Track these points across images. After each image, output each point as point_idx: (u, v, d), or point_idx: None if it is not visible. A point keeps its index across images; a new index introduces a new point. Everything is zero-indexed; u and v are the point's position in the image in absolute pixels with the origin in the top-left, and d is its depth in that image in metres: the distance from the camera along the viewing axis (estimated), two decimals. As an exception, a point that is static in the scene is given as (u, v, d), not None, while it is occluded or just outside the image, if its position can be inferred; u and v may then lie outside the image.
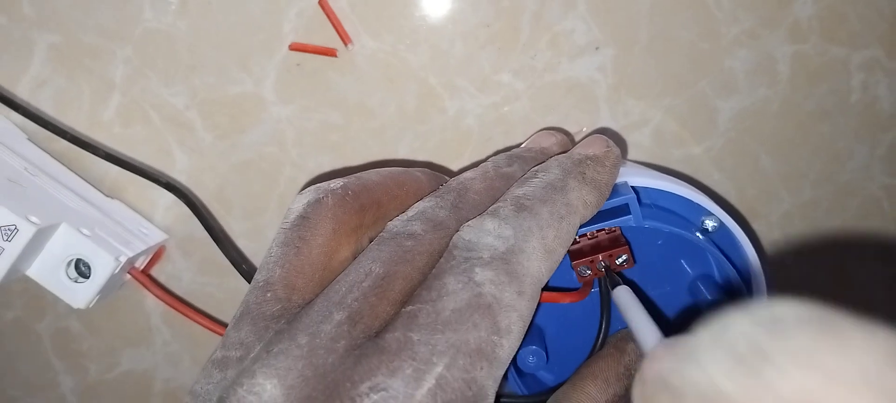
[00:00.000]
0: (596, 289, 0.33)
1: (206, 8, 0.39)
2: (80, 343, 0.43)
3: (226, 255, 0.38)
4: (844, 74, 0.42)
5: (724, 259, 0.32)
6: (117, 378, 0.44)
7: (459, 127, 0.41)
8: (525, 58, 0.40)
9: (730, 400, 0.15)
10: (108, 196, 0.41)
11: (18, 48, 0.40)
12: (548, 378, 0.36)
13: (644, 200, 0.32)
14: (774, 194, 0.43)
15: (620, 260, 0.31)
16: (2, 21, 0.39)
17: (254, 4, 0.39)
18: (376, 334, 0.23)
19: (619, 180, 0.31)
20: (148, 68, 0.40)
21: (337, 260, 0.26)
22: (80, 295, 0.35)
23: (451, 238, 0.26)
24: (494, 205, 0.27)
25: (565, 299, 0.32)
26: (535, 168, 0.29)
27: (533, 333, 0.35)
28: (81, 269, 0.35)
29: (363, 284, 0.24)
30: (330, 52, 0.40)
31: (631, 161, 0.41)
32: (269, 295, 0.24)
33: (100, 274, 0.35)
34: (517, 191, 0.27)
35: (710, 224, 0.32)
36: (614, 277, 0.31)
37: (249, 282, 0.26)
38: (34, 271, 0.35)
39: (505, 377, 0.25)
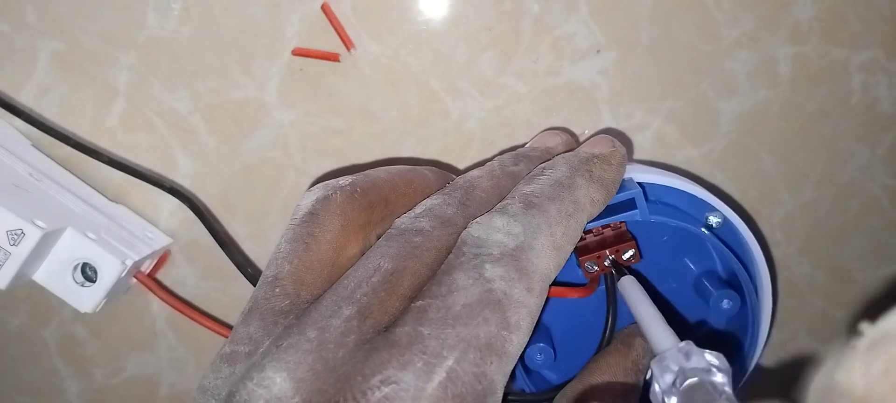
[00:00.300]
0: (602, 286, 0.33)
1: (209, 14, 0.39)
2: (86, 348, 0.43)
3: (231, 259, 0.39)
4: (845, 75, 0.42)
5: (730, 254, 0.32)
6: (123, 383, 0.44)
7: (462, 130, 0.41)
8: (527, 61, 0.40)
9: None
10: (112, 201, 0.41)
11: (22, 55, 0.40)
12: (554, 376, 0.36)
13: (649, 196, 0.33)
14: (776, 195, 0.43)
15: (627, 255, 0.31)
16: (5, 28, 0.40)
17: (256, 10, 0.39)
18: (386, 329, 0.23)
19: (625, 176, 0.32)
20: (151, 74, 0.40)
21: (345, 256, 0.26)
22: (86, 299, 0.35)
23: (459, 235, 0.26)
24: (502, 203, 0.27)
25: (572, 294, 0.32)
26: (542, 166, 0.30)
27: (540, 331, 0.35)
28: (88, 273, 0.35)
29: (372, 279, 0.24)
30: (333, 57, 0.40)
31: (635, 160, 0.42)
32: (277, 290, 0.25)
33: (106, 278, 0.35)
34: (525, 188, 0.28)
35: (714, 220, 0.33)
36: (622, 271, 0.31)
37: (255, 286, 0.26)
38: (40, 275, 0.35)
39: (512, 374, 0.25)
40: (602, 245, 0.32)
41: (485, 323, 0.22)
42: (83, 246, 0.35)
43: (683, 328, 0.36)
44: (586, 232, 0.32)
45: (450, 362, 0.21)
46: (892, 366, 0.14)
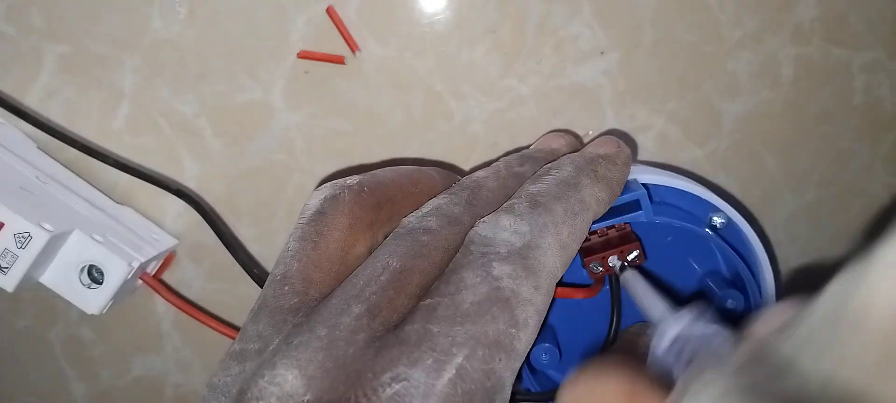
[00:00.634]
0: (607, 287, 0.33)
1: (215, 17, 0.40)
2: (92, 349, 0.43)
3: (237, 260, 0.39)
4: (847, 76, 0.42)
5: (734, 254, 0.32)
6: (128, 385, 0.44)
7: (466, 132, 0.41)
8: (531, 63, 0.41)
9: None
10: (118, 203, 0.41)
11: (28, 59, 0.40)
12: (559, 376, 0.37)
13: (654, 197, 0.33)
14: (779, 195, 0.44)
15: (632, 256, 0.32)
16: (11, 32, 0.40)
17: (262, 13, 0.40)
18: (395, 326, 0.23)
19: (629, 177, 0.32)
20: (157, 77, 0.40)
21: (353, 255, 0.26)
22: (93, 301, 0.35)
23: (466, 234, 0.26)
24: (509, 202, 0.27)
25: (578, 294, 0.32)
26: (548, 166, 0.30)
27: (546, 331, 0.35)
28: (94, 275, 0.35)
29: (381, 278, 0.24)
30: (338, 60, 0.40)
31: (639, 161, 0.42)
32: (286, 288, 0.25)
33: (113, 280, 0.35)
34: (531, 188, 0.28)
35: (718, 220, 0.33)
36: (626, 269, 0.31)
37: (261, 286, 0.26)
38: (47, 278, 0.35)
39: (518, 374, 0.26)
40: (607, 246, 0.32)
41: (493, 320, 0.22)
42: (90, 248, 0.35)
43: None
44: (591, 233, 0.32)
45: (459, 359, 0.21)
46: None
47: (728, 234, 0.33)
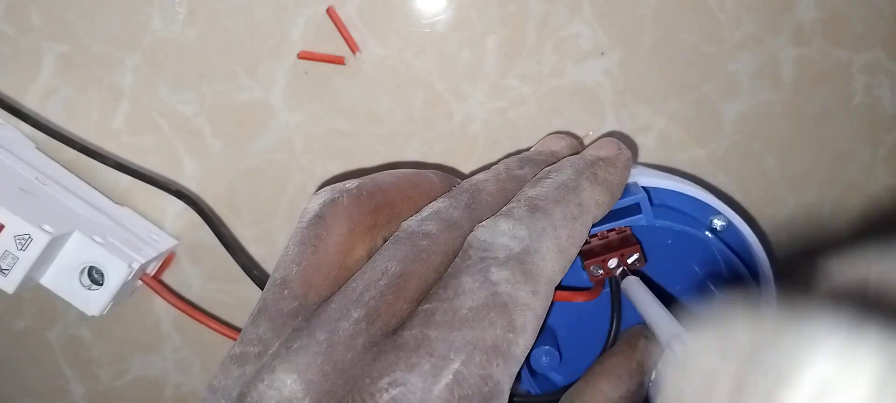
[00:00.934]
0: (607, 289, 0.33)
1: (215, 16, 0.40)
2: (91, 350, 0.43)
3: (237, 261, 0.39)
4: (847, 77, 0.42)
5: (734, 257, 0.32)
6: (128, 385, 0.44)
7: (466, 132, 0.41)
8: (531, 63, 0.41)
9: None
10: (117, 204, 0.41)
11: (27, 58, 0.40)
12: (559, 378, 0.37)
13: (654, 200, 0.33)
14: (779, 195, 0.44)
15: (632, 259, 0.32)
16: (10, 31, 0.40)
17: (262, 13, 0.40)
18: (394, 331, 0.23)
19: (629, 180, 0.32)
20: (157, 77, 0.40)
21: (352, 258, 0.26)
22: (93, 302, 0.35)
23: (465, 238, 0.26)
24: (508, 206, 0.27)
25: (578, 298, 0.32)
26: (548, 169, 0.30)
27: (546, 334, 0.35)
28: (94, 276, 0.35)
29: (380, 282, 0.24)
30: (338, 60, 0.40)
31: (640, 163, 0.42)
32: (286, 292, 0.25)
33: (113, 281, 0.35)
34: (530, 191, 0.28)
35: (718, 223, 0.33)
36: (627, 273, 0.31)
37: (261, 287, 0.26)
38: (48, 279, 0.35)
39: (518, 376, 0.26)
40: (607, 249, 0.32)
41: (491, 325, 0.22)
42: (90, 249, 0.35)
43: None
44: (591, 236, 0.32)
45: (456, 364, 0.21)
46: None
47: (728, 237, 0.33)
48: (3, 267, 0.32)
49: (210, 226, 0.39)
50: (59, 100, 0.40)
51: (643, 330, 0.34)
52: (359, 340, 0.22)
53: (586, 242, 0.32)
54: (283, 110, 0.41)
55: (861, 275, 0.20)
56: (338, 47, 0.40)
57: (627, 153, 0.32)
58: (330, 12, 0.39)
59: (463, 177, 0.33)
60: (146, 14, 0.40)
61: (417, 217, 0.27)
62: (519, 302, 0.23)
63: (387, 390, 0.21)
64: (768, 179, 0.43)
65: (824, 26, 0.41)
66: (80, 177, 0.41)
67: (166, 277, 0.42)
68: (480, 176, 0.30)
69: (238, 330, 0.40)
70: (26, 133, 0.40)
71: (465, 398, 0.21)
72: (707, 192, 0.34)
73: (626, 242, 0.32)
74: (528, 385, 0.35)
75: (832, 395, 0.13)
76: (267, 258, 0.42)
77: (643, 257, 0.32)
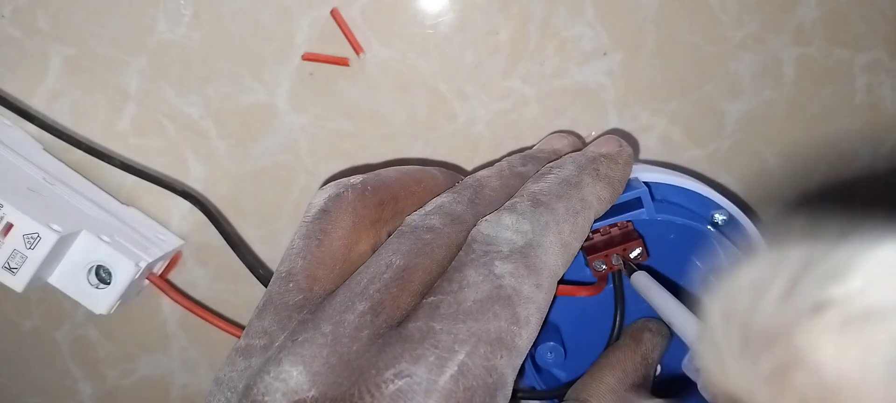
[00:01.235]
0: (610, 284, 0.33)
1: (219, 19, 0.40)
2: (98, 350, 0.44)
3: (242, 260, 0.39)
4: (848, 76, 0.42)
5: (736, 250, 0.33)
6: (135, 384, 0.44)
7: (469, 133, 0.42)
8: (534, 64, 0.41)
9: None
10: (123, 203, 0.41)
11: (34, 61, 0.40)
12: (564, 374, 0.37)
13: (655, 195, 0.33)
14: (780, 194, 0.44)
15: (634, 253, 0.32)
16: (17, 34, 0.40)
17: (266, 15, 0.40)
18: (398, 324, 0.23)
19: (631, 176, 0.32)
20: (162, 79, 0.41)
21: (356, 252, 0.27)
22: (101, 301, 0.36)
23: (469, 232, 0.26)
24: (511, 201, 0.27)
25: (581, 292, 0.32)
26: (550, 165, 0.30)
27: (550, 330, 0.36)
28: (102, 275, 0.36)
29: (384, 275, 0.24)
30: (342, 62, 0.40)
31: (641, 160, 0.42)
32: (291, 285, 0.25)
33: (120, 280, 0.35)
34: (533, 187, 0.28)
35: (719, 217, 0.33)
36: (632, 268, 0.31)
37: (266, 286, 0.27)
38: (56, 278, 0.35)
39: (521, 369, 0.26)
40: (609, 244, 0.32)
41: (495, 318, 0.23)
42: (97, 248, 0.35)
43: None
44: (594, 231, 0.33)
45: (461, 356, 0.22)
46: (874, 357, 0.12)
47: (730, 231, 0.33)
48: (12, 266, 0.33)
49: (216, 226, 0.40)
50: (66, 102, 0.41)
51: (647, 323, 0.34)
52: (364, 332, 0.23)
53: (589, 238, 0.33)
54: (288, 112, 0.41)
55: None
56: (342, 49, 0.40)
57: (629, 150, 0.32)
58: (334, 14, 0.39)
59: (466, 173, 0.33)
60: (151, 17, 0.40)
61: (421, 211, 0.27)
62: (522, 295, 0.24)
63: (393, 381, 0.21)
64: (770, 178, 0.43)
65: (825, 26, 0.41)
66: (86, 178, 0.41)
67: (172, 277, 0.42)
68: (484, 172, 0.30)
69: (243, 327, 0.40)
70: (33, 134, 0.41)
71: (470, 389, 0.21)
72: (708, 187, 0.34)
73: (628, 237, 0.32)
74: (534, 381, 0.36)
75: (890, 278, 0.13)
76: (272, 258, 0.43)
77: (646, 251, 0.32)
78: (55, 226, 0.33)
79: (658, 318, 0.34)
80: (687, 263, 0.35)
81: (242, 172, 0.42)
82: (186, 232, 0.42)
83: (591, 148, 0.32)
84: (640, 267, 0.32)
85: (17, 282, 0.33)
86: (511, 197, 0.28)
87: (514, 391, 0.34)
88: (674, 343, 0.34)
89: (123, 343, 0.44)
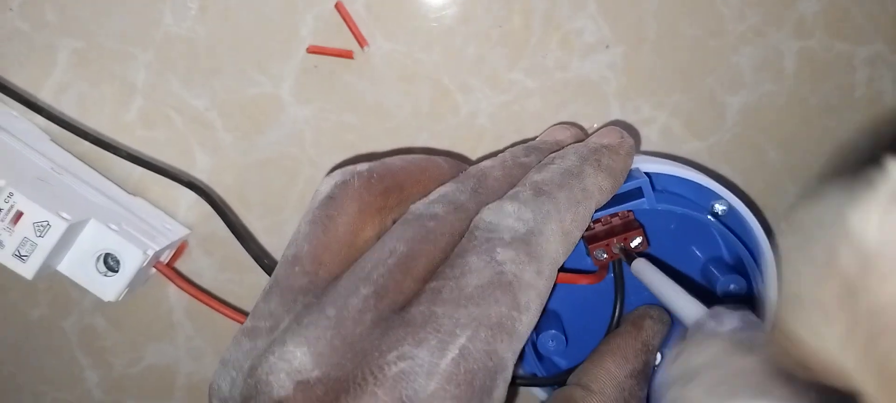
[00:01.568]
0: (611, 273, 0.34)
1: (226, 12, 0.40)
2: (105, 339, 0.44)
3: (247, 251, 0.39)
4: (849, 70, 0.43)
5: (736, 239, 0.33)
6: (141, 373, 0.45)
7: (473, 125, 0.42)
8: (536, 57, 0.41)
9: None
10: (130, 193, 0.42)
11: (41, 54, 0.41)
12: (565, 362, 0.37)
13: (656, 186, 0.33)
14: (781, 187, 0.44)
15: (635, 243, 0.32)
16: (25, 27, 0.41)
17: (271, 8, 0.40)
18: (401, 308, 0.24)
19: (632, 166, 0.32)
20: (169, 71, 0.41)
21: (361, 238, 0.27)
22: (110, 288, 0.36)
23: (472, 220, 0.27)
24: (514, 190, 0.28)
25: (582, 280, 0.33)
26: (552, 155, 0.30)
27: (552, 319, 0.36)
28: (110, 263, 0.36)
29: (388, 261, 0.25)
30: (346, 54, 0.41)
31: (643, 152, 0.42)
32: (296, 268, 0.26)
33: (129, 268, 0.36)
34: (535, 176, 0.28)
35: (719, 207, 0.33)
36: (632, 256, 0.32)
37: (271, 276, 0.27)
38: (65, 266, 0.36)
39: (521, 355, 0.26)
40: (610, 233, 0.33)
41: (496, 303, 0.23)
42: (106, 236, 0.36)
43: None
44: (595, 220, 0.33)
45: (462, 340, 0.22)
46: None
47: (729, 221, 0.34)
48: (22, 254, 0.33)
49: (221, 217, 0.40)
50: (74, 94, 0.41)
51: (649, 310, 0.34)
52: (367, 316, 0.23)
53: (590, 227, 0.33)
54: (293, 104, 0.41)
55: None
56: (346, 42, 0.41)
57: (630, 141, 0.32)
58: (339, 7, 0.40)
59: (471, 163, 0.33)
60: (158, 10, 0.40)
61: (426, 200, 0.28)
62: (523, 282, 0.24)
63: (395, 363, 0.21)
64: (770, 171, 0.44)
65: (826, 19, 0.42)
66: (93, 168, 0.41)
67: (179, 267, 0.43)
68: (487, 162, 0.31)
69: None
70: (40, 126, 0.41)
71: (471, 371, 0.22)
72: (709, 178, 0.34)
73: (629, 226, 0.33)
74: (535, 368, 0.36)
75: None
76: (277, 248, 0.43)
77: (646, 241, 0.32)
78: (64, 214, 0.34)
79: (659, 305, 0.35)
80: (687, 252, 0.36)
81: (248, 163, 0.42)
82: (192, 223, 0.43)
83: (593, 139, 0.32)
84: (641, 256, 0.32)
85: (28, 270, 0.33)
86: (514, 186, 0.29)
87: (515, 377, 0.34)
88: (674, 331, 0.35)
89: (130, 332, 0.44)
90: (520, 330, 0.24)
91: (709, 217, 0.33)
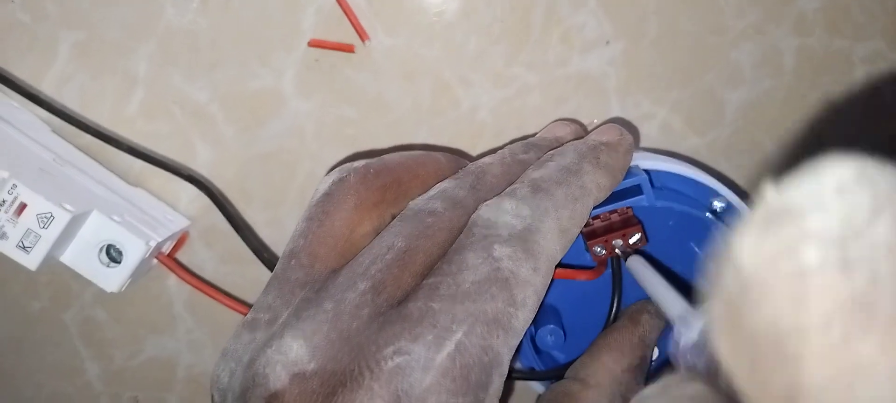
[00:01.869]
0: (610, 269, 0.34)
1: (227, 5, 0.40)
2: (106, 331, 0.44)
3: (247, 244, 0.40)
4: (848, 66, 0.43)
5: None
6: (141, 365, 0.45)
7: (473, 120, 0.42)
8: (537, 52, 0.41)
9: None
10: (131, 184, 0.42)
11: (43, 46, 0.41)
12: (563, 356, 0.37)
13: (655, 183, 0.34)
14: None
15: (633, 239, 0.32)
16: (26, 19, 0.41)
17: (273, 2, 0.40)
18: (398, 303, 0.24)
19: (632, 163, 0.33)
20: (170, 64, 0.41)
21: (358, 233, 0.28)
22: (113, 279, 0.36)
23: (470, 216, 0.27)
24: (512, 187, 0.28)
25: (581, 276, 0.33)
26: (551, 152, 0.31)
27: (551, 314, 0.36)
28: (112, 254, 0.36)
29: (386, 257, 0.25)
30: (348, 48, 0.41)
31: (642, 148, 0.42)
32: (293, 262, 0.26)
33: (131, 259, 0.36)
34: (534, 173, 0.29)
35: (718, 204, 0.34)
36: (629, 252, 0.32)
37: (271, 270, 0.28)
38: (67, 257, 0.36)
39: (518, 350, 0.27)
40: (609, 229, 0.33)
41: (492, 299, 0.23)
42: (108, 228, 0.36)
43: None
44: (594, 217, 0.33)
45: (458, 335, 0.22)
46: (782, 252, 0.12)
47: (729, 218, 0.34)
48: (25, 245, 0.33)
49: (221, 210, 0.40)
50: (75, 86, 0.41)
51: (646, 305, 0.34)
52: (364, 310, 0.23)
53: (589, 224, 0.33)
54: (294, 98, 0.42)
55: None
56: (347, 36, 0.41)
57: (629, 138, 0.32)
58: (340, 1, 0.40)
59: (470, 159, 0.33)
60: (160, 2, 0.40)
61: (424, 196, 0.28)
62: (520, 278, 0.24)
63: (391, 357, 0.22)
64: (769, 167, 0.44)
65: (826, 16, 0.42)
66: (95, 160, 0.42)
67: (179, 259, 0.43)
68: (486, 159, 0.31)
69: (250, 305, 0.40)
70: (42, 118, 0.41)
71: (466, 366, 0.22)
72: (707, 175, 0.34)
73: (627, 223, 0.33)
74: (534, 362, 0.36)
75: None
76: (277, 241, 0.43)
77: (644, 237, 0.33)
78: (67, 206, 0.34)
79: None
80: (685, 249, 0.36)
81: (249, 156, 0.42)
82: (194, 215, 0.43)
83: (592, 136, 0.32)
84: (639, 253, 0.33)
85: (31, 261, 0.34)
86: (512, 183, 0.29)
87: (513, 371, 0.35)
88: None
89: (131, 324, 0.44)
90: (516, 325, 0.24)
91: (708, 214, 0.33)
